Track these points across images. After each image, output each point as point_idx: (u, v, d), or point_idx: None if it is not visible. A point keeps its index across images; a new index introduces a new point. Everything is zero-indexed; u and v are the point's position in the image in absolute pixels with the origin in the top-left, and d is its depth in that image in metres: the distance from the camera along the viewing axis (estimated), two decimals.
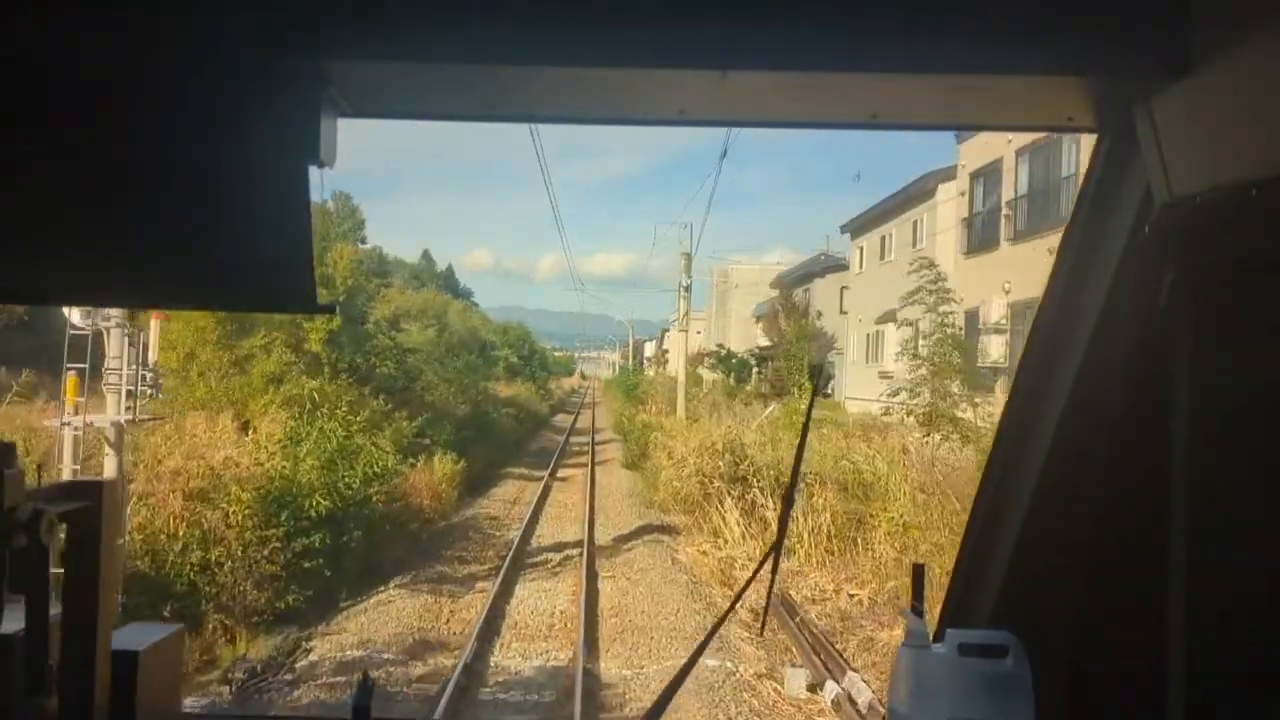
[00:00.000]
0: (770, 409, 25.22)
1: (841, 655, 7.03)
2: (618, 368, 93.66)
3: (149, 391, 8.08)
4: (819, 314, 33.12)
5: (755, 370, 37.04)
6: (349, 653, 7.21)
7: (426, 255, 53.74)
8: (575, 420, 42.14)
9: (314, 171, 0.92)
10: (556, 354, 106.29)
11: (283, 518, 8.82)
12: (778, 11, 0.89)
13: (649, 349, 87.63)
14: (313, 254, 0.90)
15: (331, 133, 0.93)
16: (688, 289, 26.10)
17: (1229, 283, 0.86)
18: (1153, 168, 0.94)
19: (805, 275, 34.86)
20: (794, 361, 31.20)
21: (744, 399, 31.17)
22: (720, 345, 43.63)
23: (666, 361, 79.77)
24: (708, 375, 54.16)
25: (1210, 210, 0.86)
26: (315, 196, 0.88)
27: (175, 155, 0.89)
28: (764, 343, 42.22)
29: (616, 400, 43.86)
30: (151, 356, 8.05)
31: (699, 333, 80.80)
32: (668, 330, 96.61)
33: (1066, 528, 1.05)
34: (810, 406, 1.33)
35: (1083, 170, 1.02)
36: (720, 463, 12.07)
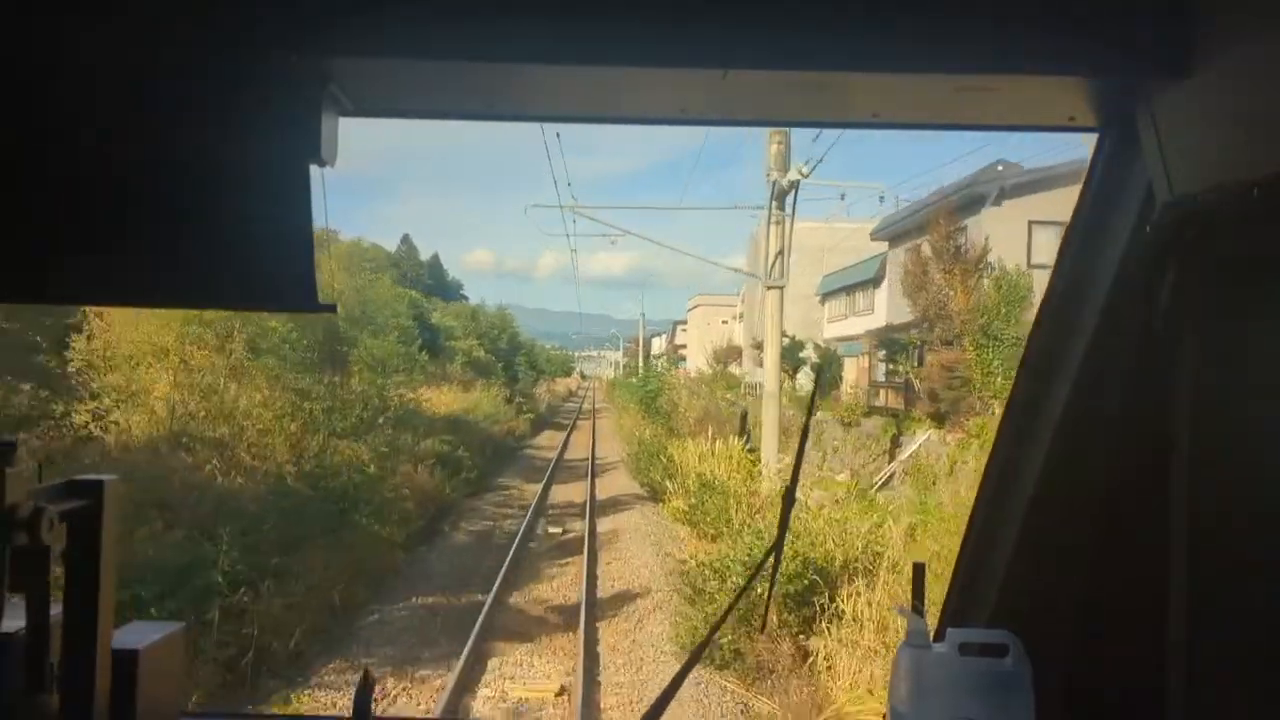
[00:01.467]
0: (923, 438, 17.37)
1: None
2: (621, 367, 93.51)
3: None
4: (992, 266, 18.51)
5: (893, 363, 23.53)
6: None
7: (407, 241, 50.54)
8: (566, 444, 31.99)
9: (315, 170, 0.98)
10: (552, 351, 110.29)
11: None
12: (778, 11, 0.95)
13: (657, 345, 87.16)
14: (314, 253, 0.99)
15: (333, 131, 0.99)
16: (781, 203, 16.02)
17: (1230, 282, 0.92)
18: (1154, 167, 1.00)
19: (971, 200, 20.83)
20: (997, 348, 16.65)
21: (843, 417, 23.26)
22: (784, 334, 30.22)
23: (681, 358, 67.05)
24: (748, 374, 42.22)
25: (1212, 209, 0.92)
26: (316, 195, 1.01)
27: (175, 154, 0.96)
28: (876, 322, 28.38)
29: (628, 414, 34.84)
30: None
31: (725, 322, 66.57)
32: (682, 323, 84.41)
33: (1067, 527, 1.11)
34: (810, 405, 1.60)
35: None
36: None
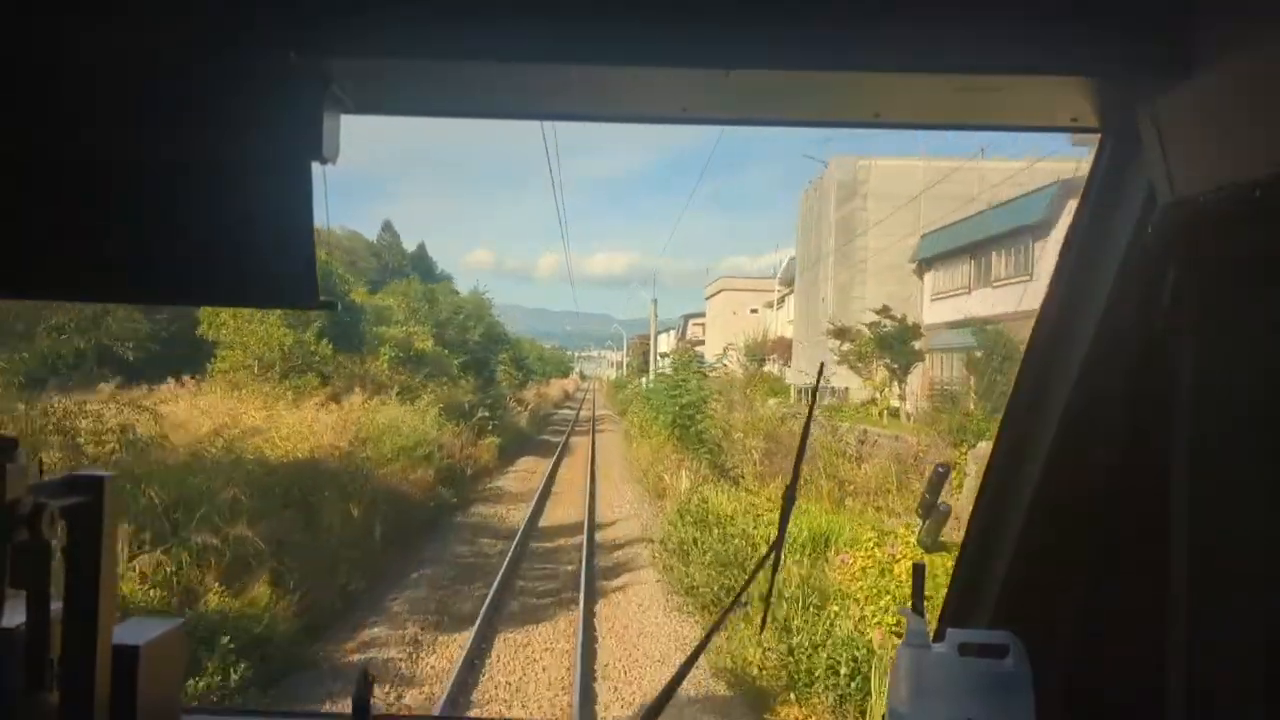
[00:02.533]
0: None
1: None
2: (625, 367, 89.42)
3: None
4: None
5: None
6: None
7: (389, 228, 45.71)
8: (547, 491, 19.44)
9: (316, 168, 1.05)
10: (547, 350, 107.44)
11: None
12: (780, 11, 1.01)
13: (665, 342, 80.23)
14: (315, 250, 1.07)
15: (334, 129, 1.05)
16: None
17: (1231, 282, 0.97)
18: (1155, 167, 1.05)
19: None
20: None
21: None
22: (885, 311, 17.27)
23: (696, 355, 56.18)
24: (833, 377, 30.23)
25: (1213, 210, 0.96)
26: (317, 193, 1.11)
27: (178, 152, 1.03)
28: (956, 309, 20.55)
29: (649, 438, 23.46)
30: None
31: (754, 310, 55.49)
32: (694, 316, 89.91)
33: (1067, 528, 1.16)
34: (812, 403, 1.36)
35: None
36: None
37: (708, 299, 78.40)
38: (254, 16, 0.96)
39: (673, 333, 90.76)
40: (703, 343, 74.91)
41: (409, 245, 53.00)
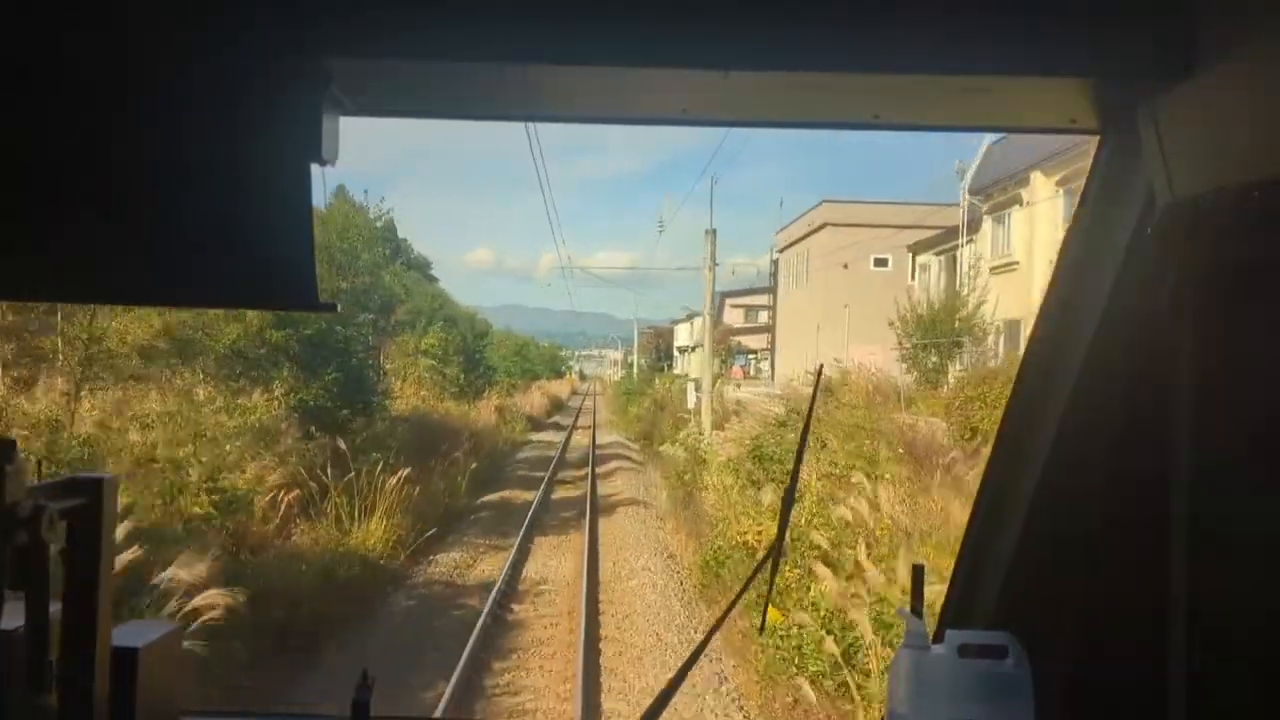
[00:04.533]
0: None
1: None
2: (636, 366, 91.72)
3: None
4: None
5: None
6: None
7: (341, 194, 35.16)
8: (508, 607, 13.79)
9: (315, 169, 1.28)
10: (544, 345, 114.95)
11: None
12: (780, 11, 1.23)
13: (682, 334, 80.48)
14: (314, 252, 1.29)
15: (333, 131, 1.29)
16: None
17: (1231, 284, 1.18)
18: (1155, 169, 1.29)
19: None
20: None
21: None
22: None
23: (742, 350, 56.33)
24: None
25: (1212, 211, 1.18)
26: (317, 195, 1.27)
27: (176, 154, 1.26)
28: None
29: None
30: None
31: (882, 262, 45.77)
32: (736, 295, 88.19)
33: (1067, 528, 1.44)
34: (812, 404, 1.58)
35: None
36: None
37: (781, 251, 55.32)
38: (254, 16, 1.19)
39: (696, 321, 72.68)
40: (761, 330, 55.05)
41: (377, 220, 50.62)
